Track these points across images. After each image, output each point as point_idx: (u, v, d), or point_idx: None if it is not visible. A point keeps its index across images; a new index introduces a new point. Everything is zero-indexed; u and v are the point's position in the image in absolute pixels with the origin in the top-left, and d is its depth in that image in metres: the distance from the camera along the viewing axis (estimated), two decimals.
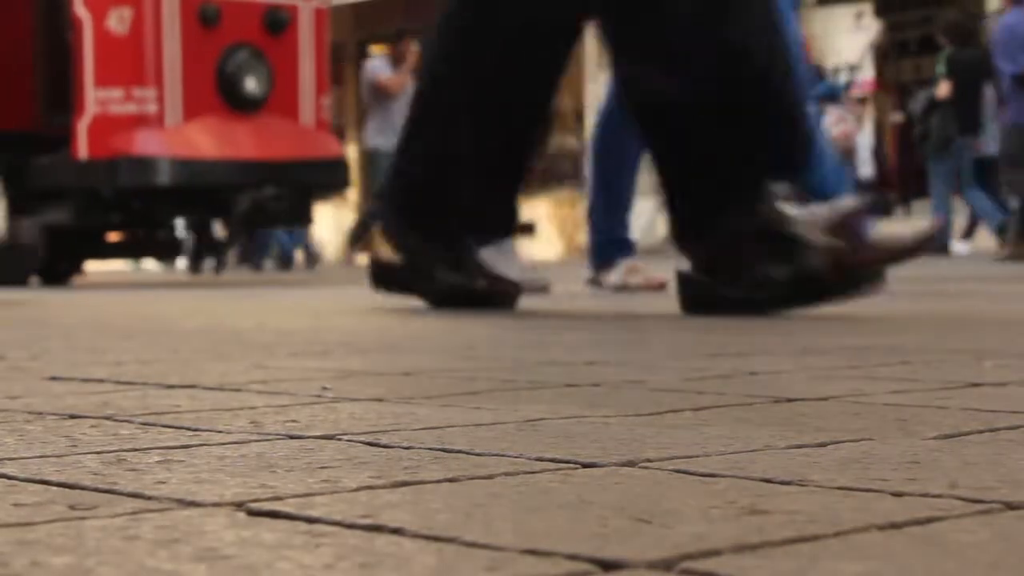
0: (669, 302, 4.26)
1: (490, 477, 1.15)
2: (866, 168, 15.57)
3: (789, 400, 1.71)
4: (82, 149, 8.89)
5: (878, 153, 16.07)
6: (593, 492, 1.07)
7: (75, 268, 10.34)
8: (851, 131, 15.10)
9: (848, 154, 15.04)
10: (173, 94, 8.89)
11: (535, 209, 16.84)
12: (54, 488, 1.13)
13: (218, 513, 1.01)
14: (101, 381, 2.07)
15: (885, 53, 16.16)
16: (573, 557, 0.85)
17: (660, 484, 1.11)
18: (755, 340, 2.78)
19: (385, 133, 12.94)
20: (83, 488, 1.12)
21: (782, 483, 1.10)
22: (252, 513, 1.01)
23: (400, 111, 12.64)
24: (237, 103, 9.03)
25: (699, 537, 0.90)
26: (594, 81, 16.24)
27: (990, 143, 11.94)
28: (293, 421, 1.56)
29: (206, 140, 8.93)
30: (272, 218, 9.53)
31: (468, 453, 1.29)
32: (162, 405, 1.74)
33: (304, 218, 9.74)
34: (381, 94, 13.73)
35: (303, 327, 3.56)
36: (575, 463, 1.22)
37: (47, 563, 0.85)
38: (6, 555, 0.87)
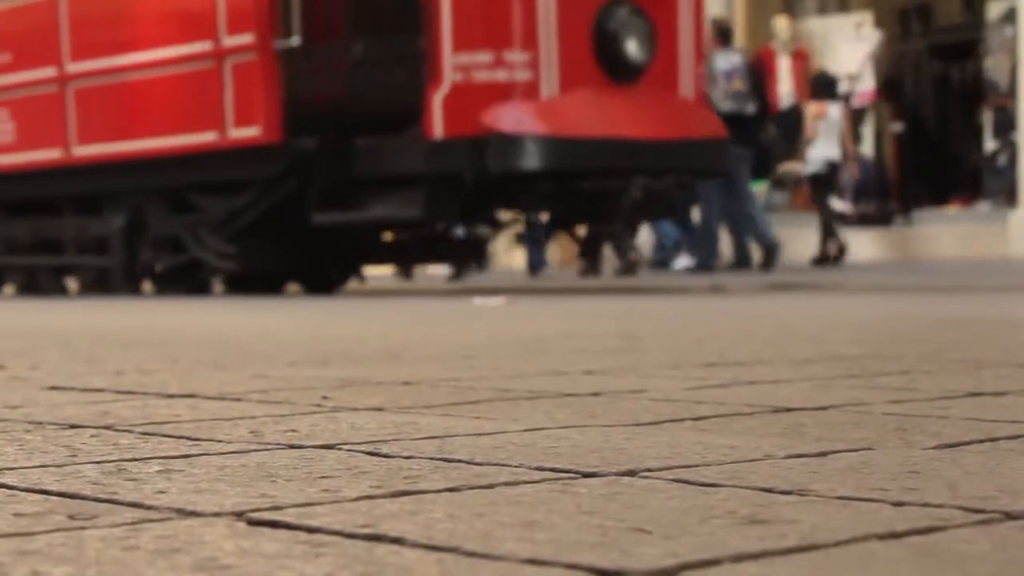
0: (667, 310, 4.27)
1: (490, 487, 1.15)
2: None
3: (789, 409, 1.71)
4: (437, 126, 6.93)
5: (878, 163, 16.09)
6: (593, 502, 1.07)
7: (351, 274, 8.49)
8: None
9: None
10: (548, 58, 7.08)
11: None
12: (54, 498, 1.12)
13: (218, 523, 1.01)
14: (101, 391, 2.07)
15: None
16: (573, 567, 0.85)
17: (660, 494, 1.11)
18: (754, 349, 2.78)
19: None
20: (83, 498, 1.12)
21: (782, 493, 1.10)
22: (252, 523, 1.01)
23: None
24: (617, 70, 7.20)
25: (699, 547, 0.90)
26: None
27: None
28: (293, 431, 1.56)
29: (586, 115, 7.10)
30: (661, 211, 8.02)
31: (468, 463, 1.29)
32: (162, 415, 1.74)
33: (675, 211, 8.24)
34: None
35: (302, 336, 3.55)
36: (575, 473, 1.22)
37: (47, 573, 0.85)
38: (6, 565, 0.87)
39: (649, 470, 1.23)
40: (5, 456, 1.38)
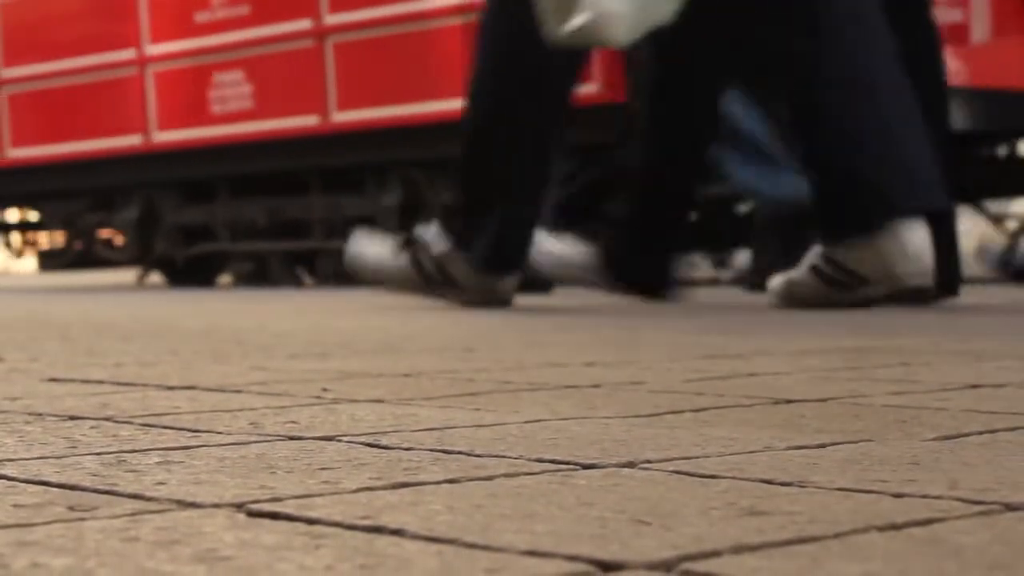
0: (667, 303, 4.27)
1: (490, 478, 1.15)
2: None
3: (788, 401, 1.71)
4: None
5: None
6: (593, 493, 1.07)
7: None
8: None
9: None
10: None
11: None
12: (54, 489, 1.12)
13: (218, 514, 1.01)
14: (101, 382, 2.07)
15: None
16: (573, 558, 0.85)
17: (660, 485, 1.11)
18: (754, 341, 2.78)
19: None
20: (83, 489, 1.12)
21: (782, 484, 1.10)
22: (252, 514, 1.01)
23: None
24: None
25: (699, 538, 0.90)
26: None
27: None
28: (293, 422, 1.56)
29: (1018, 65, 5.97)
30: None
31: (468, 454, 1.29)
32: (162, 406, 1.74)
33: None
34: None
35: (302, 328, 3.55)
36: (575, 464, 1.22)
37: (47, 564, 0.85)
38: (6, 556, 0.87)
39: (648, 462, 1.23)
40: (4, 447, 1.38)
